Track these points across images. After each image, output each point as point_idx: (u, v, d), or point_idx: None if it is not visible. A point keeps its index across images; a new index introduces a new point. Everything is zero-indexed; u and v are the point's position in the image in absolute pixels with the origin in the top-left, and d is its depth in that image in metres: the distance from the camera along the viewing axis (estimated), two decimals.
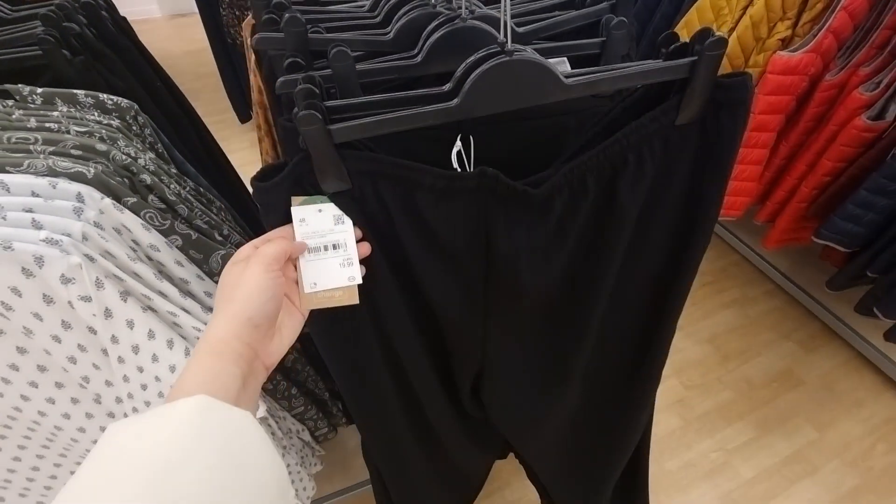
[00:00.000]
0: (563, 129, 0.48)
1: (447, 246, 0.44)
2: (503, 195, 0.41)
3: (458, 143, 0.50)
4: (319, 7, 0.61)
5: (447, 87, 0.40)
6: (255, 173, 0.39)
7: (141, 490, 0.23)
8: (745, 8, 1.09)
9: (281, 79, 0.44)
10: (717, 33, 0.38)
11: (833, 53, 0.97)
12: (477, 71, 0.37)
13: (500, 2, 0.36)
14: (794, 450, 1.18)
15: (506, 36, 0.36)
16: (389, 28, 0.52)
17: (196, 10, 1.97)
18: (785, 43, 1.04)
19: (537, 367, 0.59)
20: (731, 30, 1.11)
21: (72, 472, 0.58)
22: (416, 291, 0.49)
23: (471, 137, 0.50)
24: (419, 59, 0.47)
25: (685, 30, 1.20)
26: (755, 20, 1.05)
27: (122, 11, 0.81)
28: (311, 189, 0.39)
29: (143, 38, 0.83)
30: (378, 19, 0.57)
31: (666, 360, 0.60)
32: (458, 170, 0.51)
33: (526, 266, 0.46)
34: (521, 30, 0.49)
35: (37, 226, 0.40)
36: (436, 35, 0.45)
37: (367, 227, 0.42)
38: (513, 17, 0.53)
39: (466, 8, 0.46)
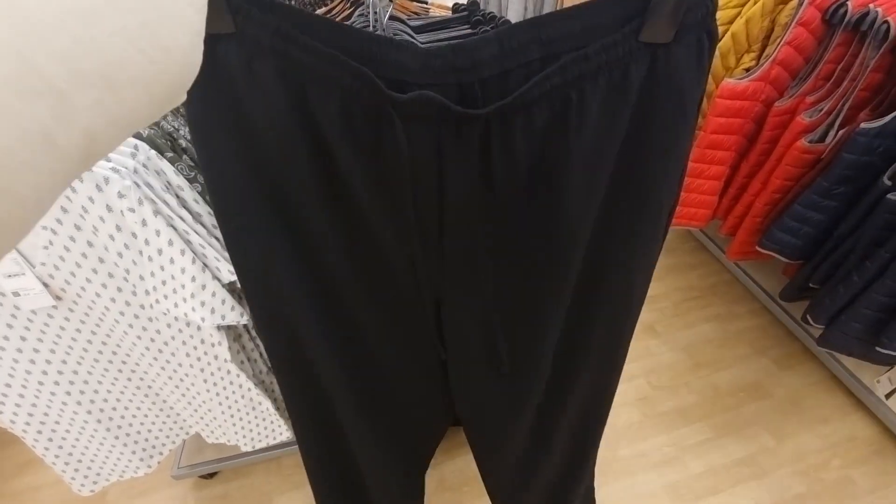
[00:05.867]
0: None
1: (393, 177, 0.40)
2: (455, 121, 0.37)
3: None
4: None
5: None
6: None
7: None
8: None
9: None
10: None
11: (785, 82, 1.07)
12: None
13: None
14: (747, 453, 1.24)
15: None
16: None
17: None
18: (750, 73, 1.15)
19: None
20: None
21: (114, 352, 0.80)
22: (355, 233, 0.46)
23: None
24: None
25: None
26: (723, 52, 1.17)
27: None
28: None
29: None
30: None
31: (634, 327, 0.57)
32: None
33: (477, 207, 0.43)
34: None
35: (106, 160, 0.62)
36: None
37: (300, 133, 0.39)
38: None
39: None
